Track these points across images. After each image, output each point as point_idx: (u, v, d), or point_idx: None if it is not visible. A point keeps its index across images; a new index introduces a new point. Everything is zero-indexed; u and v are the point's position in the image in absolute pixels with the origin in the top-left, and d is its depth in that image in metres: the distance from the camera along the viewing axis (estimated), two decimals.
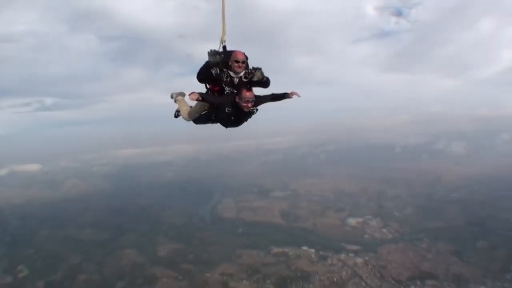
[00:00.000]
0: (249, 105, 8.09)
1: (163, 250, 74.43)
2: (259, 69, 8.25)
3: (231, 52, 8.43)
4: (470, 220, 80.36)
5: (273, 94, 8.67)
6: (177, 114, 9.91)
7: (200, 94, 8.02)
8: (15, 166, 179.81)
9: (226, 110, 8.25)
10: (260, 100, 8.48)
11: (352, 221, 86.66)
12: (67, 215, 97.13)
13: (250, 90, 8.13)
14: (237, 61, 8.18)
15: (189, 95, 7.91)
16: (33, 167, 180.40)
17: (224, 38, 8.59)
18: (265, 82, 8.45)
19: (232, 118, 8.47)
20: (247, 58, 8.45)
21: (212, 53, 8.18)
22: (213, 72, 8.29)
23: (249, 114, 8.51)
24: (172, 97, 10.00)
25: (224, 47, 8.60)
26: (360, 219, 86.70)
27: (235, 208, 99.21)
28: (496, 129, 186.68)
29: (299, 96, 8.53)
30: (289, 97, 8.61)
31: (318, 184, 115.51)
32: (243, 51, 8.42)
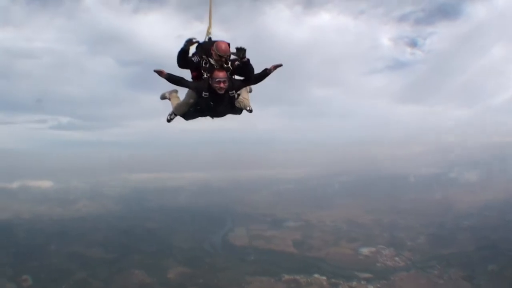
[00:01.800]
0: (221, 85, 7.84)
1: (172, 273, 73.77)
2: (243, 50, 7.76)
3: (214, 41, 8.20)
4: (481, 244, 79.70)
5: (253, 75, 8.31)
6: (169, 118, 9.36)
7: (169, 73, 7.94)
8: (27, 181, 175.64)
9: (203, 95, 8.09)
10: (239, 83, 8.35)
11: (364, 250, 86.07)
12: (75, 233, 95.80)
13: (222, 70, 7.92)
14: (220, 56, 7.88)
15: (156, 70, 7.84)
16: (45, 183, 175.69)
17: (210, 30, 8.76)
18: (245, 64, 8.03)
19: (212, 103, 8.24)
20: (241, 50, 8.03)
21: (188, 41, 7.84)
22: (194, 59, 8.14)
23: (229, 99, 8.33)
24: (164, 97, 9.70)
25: (210, 39, 8.66)
26: (373, 249, 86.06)
27: (247, 236, 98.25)
28: (507, 155, 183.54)
29: (281, 65, 8.16)
30: (271, 72, 8.27)
31: (331, 215, 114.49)
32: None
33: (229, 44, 7.99)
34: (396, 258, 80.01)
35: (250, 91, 9.43)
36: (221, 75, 7.79)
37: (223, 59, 7.92)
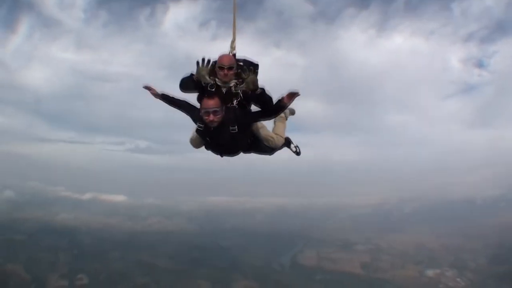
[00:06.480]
0: (211, 117, 5.81)
1: (237, 286, 77.05)
2: (252, 72, 5.89)
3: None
4: None
5: (269, 107, 6.10)
6: None
7: (163, 94, 6.36)
8: (100, 194, 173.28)
9: (198, 126, 6.20)
10: (249, 117, 6.29)
11: (429, 272, 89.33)
12: (144, 244, 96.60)
13: (212, 97, 5.83)
14: (221, 67, 6.02)
15: (145, 87, 6.35)
16: (118, 198, 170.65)
17: (234, 45, 6.72)
18: (260, 95, 5.99)
19: (208, 139, 6.32)
20: (242, 66, 6.11)
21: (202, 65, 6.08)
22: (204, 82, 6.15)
23: (234, 137, 6.14)
24: None
25: (234, 55, 6.60)
26: (438, 270, 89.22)
27: (316, 258, 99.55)
28: None
29: (297, 93, 5.74)
30: (289, 103, 5.89)
31: (401, 239, 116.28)
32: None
33: (232, 58, 6.33)
34: (458, 279, 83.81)
35: (287, 117, 7.40)
36: (211, 103, 5.79)
37: (226, 71, 6.04)
